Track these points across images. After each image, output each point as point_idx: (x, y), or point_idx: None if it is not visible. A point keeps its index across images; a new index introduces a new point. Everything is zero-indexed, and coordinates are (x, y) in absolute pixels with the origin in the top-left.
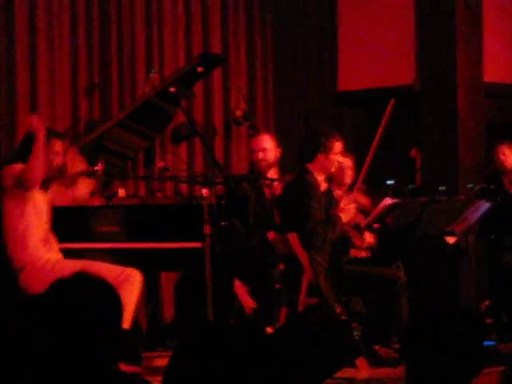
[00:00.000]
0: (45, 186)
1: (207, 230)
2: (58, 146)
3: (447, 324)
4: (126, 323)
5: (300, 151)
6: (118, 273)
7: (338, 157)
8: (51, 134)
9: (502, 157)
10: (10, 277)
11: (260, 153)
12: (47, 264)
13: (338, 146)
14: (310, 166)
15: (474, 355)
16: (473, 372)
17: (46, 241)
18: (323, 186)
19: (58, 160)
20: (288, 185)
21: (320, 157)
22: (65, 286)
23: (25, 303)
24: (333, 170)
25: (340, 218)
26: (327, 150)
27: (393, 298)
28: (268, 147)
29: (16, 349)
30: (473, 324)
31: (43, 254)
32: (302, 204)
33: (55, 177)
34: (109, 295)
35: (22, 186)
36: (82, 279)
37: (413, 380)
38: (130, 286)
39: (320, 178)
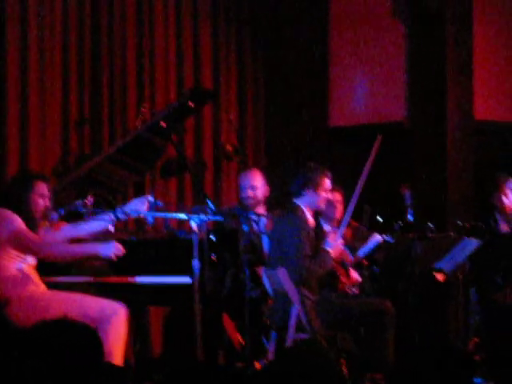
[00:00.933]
0: (33, 228)
1: (196, 264)
2: (43, 188)
3: (434, 362)
4: (118, 359)
5: (289, 185)
6: (104, 306)
7: (328, 193)
8: (37, 177)
9: (505, 194)
10: None
11: (249, 190)
12: (33, 297)
13: (327, 182)
14: (298, 201)
15: None
16: None
17: (31, 277)
18: (311, 221)
19: (44, 202)
20: (277, 220)
21: (308, 192)
22: (48, 329)
23: (13, 337)
24: (322, 206)
25: (328, 252)
26: (316, 186)
27: (381, 330)
28: (257, 184)
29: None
30: (461, 362)
31: (28, 287)
32: (290, 239)
33: (41, 219)
34: (90, 339)
35: (19, 249)
36: (66, 323)
37: None
38: (117, 320)
39: (308, 212)
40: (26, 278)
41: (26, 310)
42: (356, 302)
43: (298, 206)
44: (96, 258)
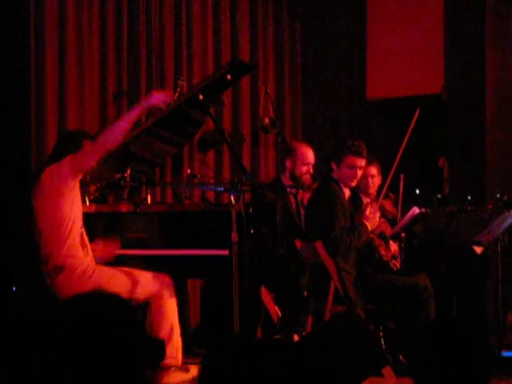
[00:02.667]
0: (82, 187)
1: (235, 237)
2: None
3: (450, 338)
4: (176, 331)
5: (323, 161)
6: (153, 280)
7: (352, 170)
8: (84, 136)
9: None
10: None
11: (309, 166)
12: (87, 271)
13: (350, 159)
14: (334, 175)
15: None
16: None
17: (84, 245)
18: (347, 194)
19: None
20: (313, 193)
21: (335, 168)
22: (82, 303)
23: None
24: (348, 182)
25: (366, 225)
26: (339, 161)
27: (419, 307)
28: (313, 161)
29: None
30: (477, 337)
31: (83, 259)
32: (326, 212)
33: (88, 179)
34: (125, 313)
35: (82, 169)
36: (100, 297)
37: None
38: (168, 293)
39: (344, 186)
40: (81, 248)
41: (78, 284)
42: (394, 278)
43: (335, 179)
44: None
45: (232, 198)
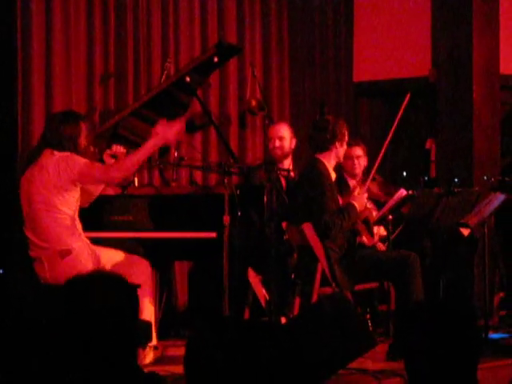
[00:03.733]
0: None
1: (226, 220)
2: (86, 129)
3: (439, 318)
4: (148, 314)
5: (314, 140)
6: (131, 262)
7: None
8: (81, 117)
9: None
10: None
11: (276, 140)
12: (94, 253)
13: (347, 134)
14: (321, 156)
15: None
16: (473, 361)
17: (79, 228)
18: (333, 176)
19: (85, 142)
20: (300, 176)
21: (337, 145)
22: (84, 283)
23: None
24: (342, 158)
25: (354, 206)
26: (343, 138)
27: (407, 277)
28: (284, 136)
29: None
30: (465, 318)
31: (88, 242)
32: (315, 195)
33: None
34: (125, 291)
35: (90, 182)
36: (100, 276)
37: (413, 375)
38: (144, 276)
39: (330, 167)
40: (79, 229)
41: (79, 263)
42: (381, 254)
43: (320, 161)
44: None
45: (225, 180)
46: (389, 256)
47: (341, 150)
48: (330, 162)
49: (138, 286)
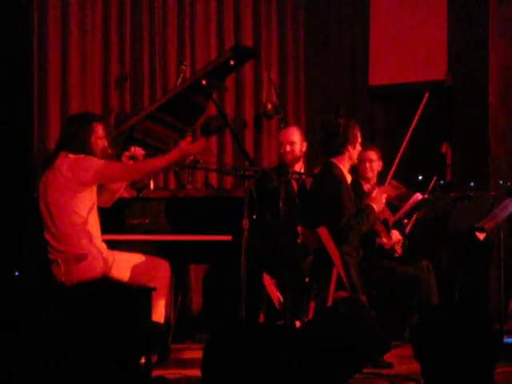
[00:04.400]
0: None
1: (246, 223)
2: (100, 129)
3: (455, 322)
4: (160, 316)
5: (326, 145)
6: (148, 263)
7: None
8: (93, 117)
9: None
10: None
11: (287, 145)
12: (110, 258)
13: (360, 135)
14: (335, 160)
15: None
16: (490, 365)
17: (98, 231)
18: (349, 179)
19: (102, 144)
20: (315, 179)
21: (349, 148)
22: (89, 290)
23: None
24: (356, 160)
25: (373, 208)
26: (355, 141)
27: (418, 297)
28: (295, 140)
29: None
30: (482, 321)
31: (105, 247)
32: (332, 199)
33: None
34: (130, 299)
35: (109, 181)
36: (106, 284)
37: (429, 380)
38: (161, 277)
39: (346, 170)
40: (98, 232)
41: (94, 268)
42: (395, 266)
43: (335, 164)
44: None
45: (246, 183)
46: (404, 274)
47: (354, 152)
48: (344, 165)
49: (153, 289)
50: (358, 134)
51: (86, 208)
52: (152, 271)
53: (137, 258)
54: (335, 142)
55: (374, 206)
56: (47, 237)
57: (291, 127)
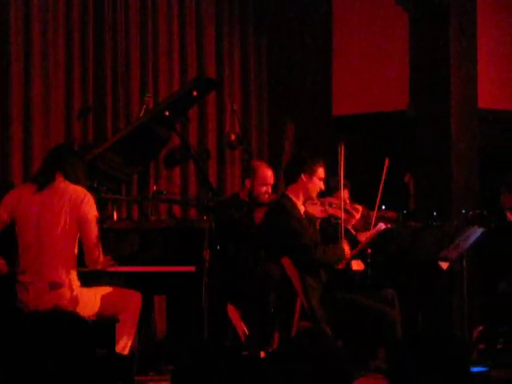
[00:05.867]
0: None
1: (207, 254)
2: None
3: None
4: (126, 350)
5: (284, 173)
6: (120, 296)
7: (321, 182)
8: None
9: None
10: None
11: (268, 187)
12: (80, 290)
13: (321, 171)
14: (289, 190)
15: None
16: None
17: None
18: (302, 209)
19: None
20: (266, 213)
21: (303, 177)
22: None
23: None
24: (314, 195)
25: (343, 250)
26: (311, 172)
27: (380, 332)
28: (272, 181)
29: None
30: (458, 349)
31: (77, 281)
32: (282, 228)
33: None
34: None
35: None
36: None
37: None
38: (132, 309)
39: (299, 201)
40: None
41: (65, 298)
42: (362, 299)
43: (287, 196)
44: None
45: (205, 217)
46: (368, 308)
47: (309, 183)
48: (297, 195)
49: (116, 320)
50: (319, 170)
51: (75, 239)
52: (121, 303)
53: (105, 291)
54: (291, 170)
55: (346, 249)
56: (25, 258)
57: (270, 168)
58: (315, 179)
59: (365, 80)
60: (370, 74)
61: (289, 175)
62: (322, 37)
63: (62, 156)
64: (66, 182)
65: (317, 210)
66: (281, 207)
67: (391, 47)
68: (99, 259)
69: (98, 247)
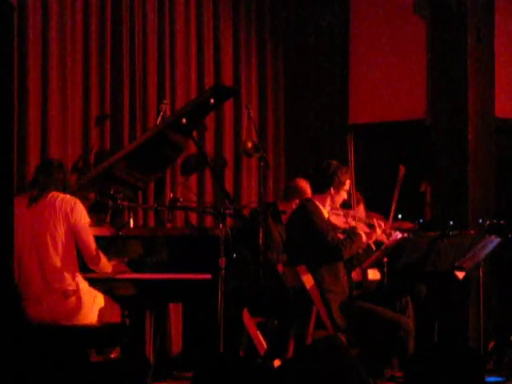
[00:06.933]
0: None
1: (222, 262)
2: None
3: (448, 359)
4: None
5: (313, 181)
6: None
7: (346, 193)
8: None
9: None
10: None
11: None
12: (92, 294)
13: (348, 183)
14: (316, 197)
15: None
16: None
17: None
18: (326, 215)
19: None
20: (290, 217)
21: (332, 191)
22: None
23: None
24: (338, 205)
25: (360, 235)
26: (340, 186)
27: (395, 342)
28: None
29: None
30: (473, 361)
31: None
32: (310, 232)
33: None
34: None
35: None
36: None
37: None
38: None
39: (324, 209)
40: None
41: (81, 303)
42: (379, 310)
43: (313, 202)
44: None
45: (220, 225)
46: (383, 317)
47: (337, 196)
48: (323, 204)
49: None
50: (346, 181)
51: (74, 245)
52: (108, 311)
53: (98, 295)
54: (320, 181)
55: (362, 234)
56: (25, 271)
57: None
58: (342, 192)
59: (382, 88)
60: (387, 82)
61: (318, 185)
62: (340, 45)
63: (50, 169)
64: (56, 193)
65: (340, 221)
66: (306, 208)
67: (409, 56)
68: (100, 263)
69: (97, 253)
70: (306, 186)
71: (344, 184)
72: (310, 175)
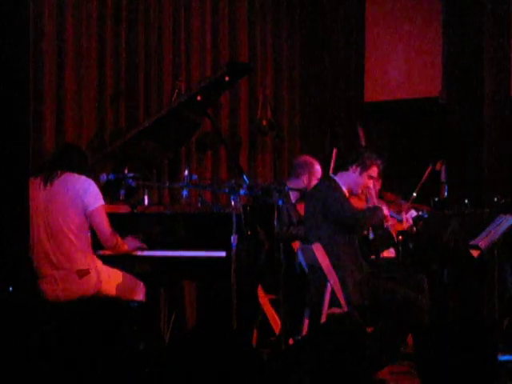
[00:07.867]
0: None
1: (235, 239)
2: None
3: (461, 336)
4: None
5: (341, 159)
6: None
7: (370, 181)
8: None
9: None
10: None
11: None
12: (102, 269)
13: (375, 170)
14: (338, 175)
15: (486, 366)
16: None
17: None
18: (345, 194)
19: None
20: (311, 190)
21: (355, 168)
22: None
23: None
24: (358, 190)
25: (381, 208)
26: (363, 166)
27: (410, 319)
28: None
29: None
30: (487, 337)
31: (100, 261)
32: (328, 203)
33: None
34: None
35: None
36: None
37: None
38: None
39: (343, 186)
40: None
41: (95, 282)
42: (396, 289)
43: (332, 178)
44: None
45: (232, 200)
46: (398, 293)
47: (358, 177)
48: (343, 182)
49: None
50: (372, 168)
51: (88, 224)
52: (129, 288)
53: (120, 274)
54: (346, 158)
55: (384, 208)
56: (42, 252)
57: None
58: (365, 175)
59: (397, 66)
60: (402, 60)
61: (342, 162)
62: (356, 23)
63: (69, 153)
64: (71, 174)
65: (361, 206)
66: (326, 183)
67: (424, 34)
68: (117, 245)
69: (113, 235)
70: (313, 160)
71: (368, 168)
72: (327, 155)
